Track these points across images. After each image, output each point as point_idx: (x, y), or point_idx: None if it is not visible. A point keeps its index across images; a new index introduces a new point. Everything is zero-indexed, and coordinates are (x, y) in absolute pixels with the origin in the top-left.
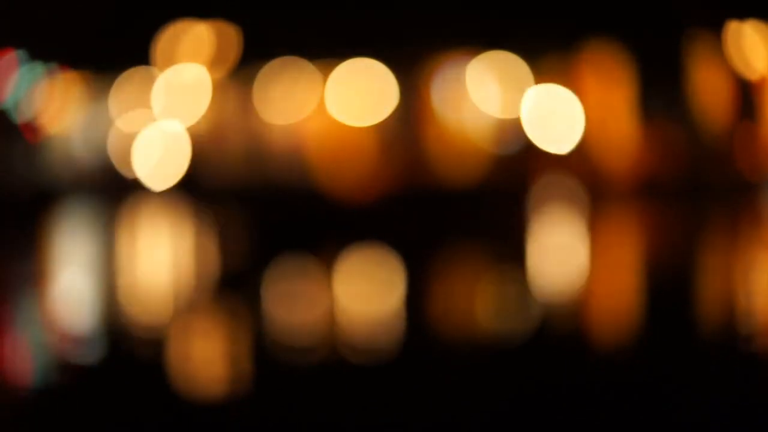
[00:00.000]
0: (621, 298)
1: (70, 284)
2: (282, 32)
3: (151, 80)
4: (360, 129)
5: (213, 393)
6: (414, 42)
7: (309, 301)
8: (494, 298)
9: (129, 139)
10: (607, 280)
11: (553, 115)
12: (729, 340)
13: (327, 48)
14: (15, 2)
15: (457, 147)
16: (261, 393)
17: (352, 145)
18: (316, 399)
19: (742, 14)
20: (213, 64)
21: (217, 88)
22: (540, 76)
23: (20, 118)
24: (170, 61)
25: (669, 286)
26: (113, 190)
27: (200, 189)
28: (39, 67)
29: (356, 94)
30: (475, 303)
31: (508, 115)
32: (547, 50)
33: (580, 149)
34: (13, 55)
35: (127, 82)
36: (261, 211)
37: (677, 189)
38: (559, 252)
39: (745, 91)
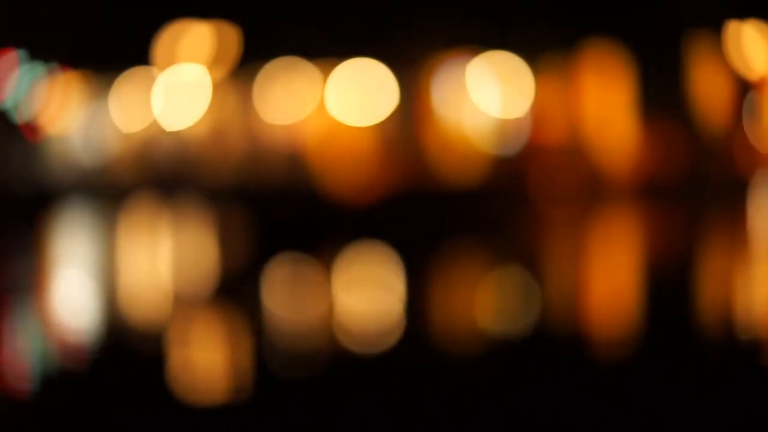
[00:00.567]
0: (620, 298)
1: (70, 284)
2: (282, 32)
3: (151, 80)
4: (360, 129)
5: (212, 393)
6: (414, 42)
7: (308, 302)
8: (494, 298)
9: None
10: (606, 280)
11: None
12: (729, 341)
13: (327, 48)
14: (15, 2)
15: (457, 147)
16: (261, 393)
17: (352, 145)
18: (316, 399)
19: (742, 14)
20: (213, 64)
21: (217, 88)
22: (540, 76)
23: (20, 118)
24: (170, 61)
25: (668, 286)
26: (113, 190)
27: (200, 189)
28: (39, 67)
29: (356, 94)
30: (475, 303)
31: (508, 115)
32: (547, 50)
33: (580, 149)
34: (13, 55)
35: (127, 82)
36: (261, 211)
37: (677, 189)
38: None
39: (745, 91)
